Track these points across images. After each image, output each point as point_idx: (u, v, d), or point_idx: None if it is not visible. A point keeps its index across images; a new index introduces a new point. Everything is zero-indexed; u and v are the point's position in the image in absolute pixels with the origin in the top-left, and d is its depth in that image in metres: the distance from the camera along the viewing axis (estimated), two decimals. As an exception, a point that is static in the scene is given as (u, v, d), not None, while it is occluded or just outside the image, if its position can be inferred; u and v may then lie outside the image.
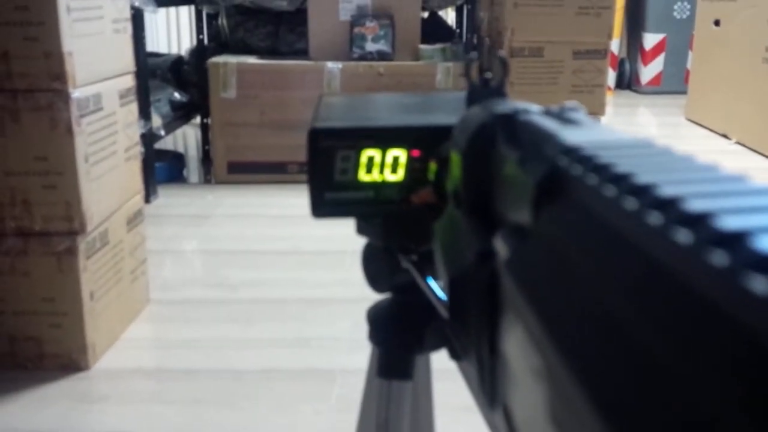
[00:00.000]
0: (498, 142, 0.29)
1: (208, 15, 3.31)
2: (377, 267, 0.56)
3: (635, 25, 5.38)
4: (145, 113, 2.47)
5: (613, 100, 4.96)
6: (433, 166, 0.44)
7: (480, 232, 0.28)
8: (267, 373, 1.52)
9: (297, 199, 2.63)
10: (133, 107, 1.71)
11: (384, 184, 0.47)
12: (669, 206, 0.15)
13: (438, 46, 2.94)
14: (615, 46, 5.25)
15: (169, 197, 2.71)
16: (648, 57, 5.25)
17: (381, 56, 2.85)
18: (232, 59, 2.85)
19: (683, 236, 0.14)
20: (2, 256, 1.45)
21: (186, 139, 3.71)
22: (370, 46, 2.85)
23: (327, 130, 0.46)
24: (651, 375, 0.14)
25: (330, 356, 1.58)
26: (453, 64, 2.85)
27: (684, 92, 4.59)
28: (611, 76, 5.26)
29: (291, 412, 1.39)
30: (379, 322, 0.59)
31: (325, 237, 2.22)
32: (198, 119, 3.31)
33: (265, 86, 2.82)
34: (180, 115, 3.16)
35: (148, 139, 2.57)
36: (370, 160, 0.46)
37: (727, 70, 3.92)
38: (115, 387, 1.46)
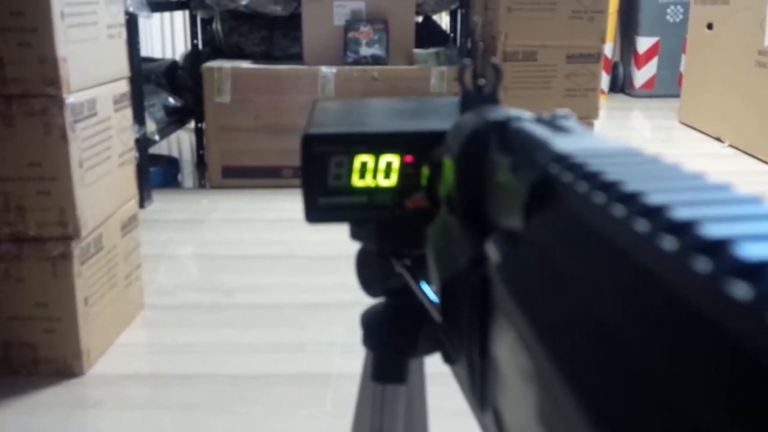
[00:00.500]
0: (491, 148, 0.29)
1: (202, 20, 3.32)
2: (371, 272, 0.56)
3: (628, 28, 5.40)
4: (139, 118, 2.46)
5: (606, 104, 4.97)
6: (425, 171, 0.44)
7: (472, 237, 0.29)
8: (262, 378, 1.52)
9: (292, 203, 2.64)
10: (128, 112, 1.71)
11: (377, 190, 0.47)
12: (656, 214, 0.16)
13: (432, 50, 2.95)
14: (608, 49, 5.26)
15: (163, 202, 2.71)
16: (641, 60, 5.26)
17: (375, 60, 2.85)
18: (227, 64, 2.86)
19: (669, 243, 0.14)
20: (-4, 261, 1.45)
21: (180, 143, 3.71)
22: (365, 51, 2.86)
23: (321, 135, 0.47)
24: (638, 379, 0.14)
25: (325, 361, 1.58)
26: (447, 68, 2.86)
27: (677, 96, 4.60)
28: (605, 80, 5.27)
29: (286, 417, 1.39)
30: (373, 327, 0.59)
31: (320, 242, 2.22)
32: (192, 124, 3.31)
33: (260, 91, 2.83)
34: (174, 119, 3.15)
35: (143, 144, 2.57)
36: (364, 165, 0.47)
37: (720, 74, 3.93)
38: (109, 392, 1.46)
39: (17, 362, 1.50)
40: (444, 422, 1.24)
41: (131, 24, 2.36)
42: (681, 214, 0.15)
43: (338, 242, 2.12)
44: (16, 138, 1.39)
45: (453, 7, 3.33)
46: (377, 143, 0.46)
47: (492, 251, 0.25)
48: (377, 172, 0.47)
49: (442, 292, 0.31)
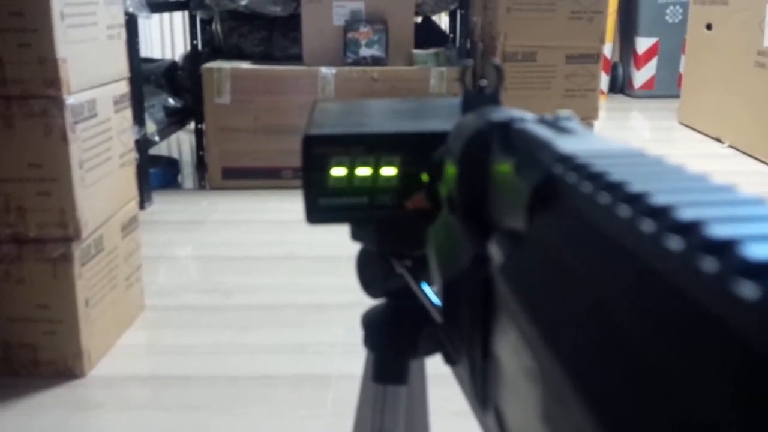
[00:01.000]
0: (493, 149, 0.29)
1: (202, 20, 3.32)
2: (372, 272, 0.56)
3: (628, 29, 5.40)
4: (139, 119, 2.47)
5: (606, 105, 4.98)
6: (425, 172, 0.44)
7: (474, 237, 0.29)
8: (262, 379, 1.52)
9: (291, 204, 2.64)
10: (128, 113, 1.71)
11: (378, 190, 0.47)
12: (661, 214, 0.16)
13: (431, 50, 2.95)
14: (608, 50, 5.26)
15: (163, 203, 2.71)
16: (641, 61, 5.27)
17: (375, 61, 2.85)
18: (226, 65, 2.86)
19: (675, 243, 0.15)
20: (-4, 262, 1.45)
21: (180, 144, 3.71)
22: (364, 51, 2.86)
23: (321, 136, 0.47)
24: (644, 378, 0.14)
25: (325, 361, 1.58)
26: (446, 69, 2.86)
27: (677, 96, 4.60)
28: (604, 81, 5.28)
29: (287, 418, 1.39)
30: (374, 328, 0.59)
31: (320, 242, 2.22)
32: (192, 125, 3.31)
33: (260, 91, 2.83)
34: (174, 120, 3.15)
35: (143, 145, 2.57)
36: (364, 166, 0.47)
37: (720, 74, 3.93)
38: (110, 394, 1.46)
39: (18, 363, 1.50)
40: (445, 423, 1.24)
41: (131, 24, 2.36)
42: (687, 214, 0.15)
43: (338, 243, 2.12)
44: (16, 139, 1.39)
45: (452, 7, 3.33)
46: (378, 144, 0.46)
47: (494, 251, 0.25)
48: (378, 172, 0.47)
49: (444, 293, 0.31)
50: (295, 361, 1.59)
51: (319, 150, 0.47)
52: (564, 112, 0.28)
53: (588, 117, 3.03)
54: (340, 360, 1.59)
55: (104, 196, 1.56)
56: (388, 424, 0.60)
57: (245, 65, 2.89)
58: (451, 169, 0.32)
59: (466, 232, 0.30)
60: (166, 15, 4.86)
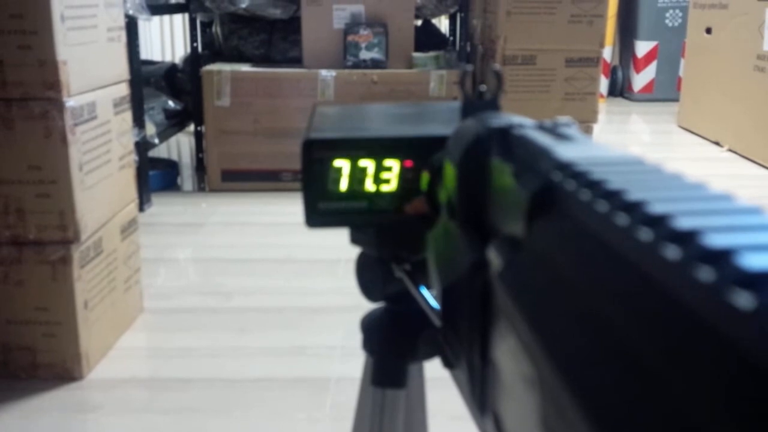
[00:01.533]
0: (492, 155, 0.29)
1: (202, 23, 3.32)
2: (371, 276, 0.56)
3: (627, 32, 5.41)
4: (139, 121, 2.47)
5: (605, 108, 4.98)
6: (425, 176, 0.45)
7: (473, 242, 0.29)
8: (261, 382, 1.52)
9: (291, 207, 2.64)
10: (127, 115, 1.71)
11: (377, 195, 0.47)
12: (659, 223, 0.16)
13: (431, 53, 2.95)
14: (607, 53, 5.27)
15: (163, 205, 2.71)
16: (640, 64, 5.27)
17: (374, 64, 2.86)
18: (226, 67, 2.86)
19: (672, 252, 0.15)
20: (-4, 265, 1.45)
21: (180, 147, 3.71)
22: (364, 54, 2.86)
23: (321, 140, 0.47)
24: (640, 386, 0.14)
25: (324, 365, 1.58)
26: (446, 72, 2.86)
27: (676, 99, 4.61)
28: (603, 84, 5.28)
29: (285, 421, 1.39)
30: (373, 331, 0.59)
31: (319, 245, 2.22)
32: (192, 127, 3.31)
33: (259, 94, 2.83)
34: (174, 123, 3.16)
35: (142, 147, 2.57)
36: (364, 170, 0.47)
37: (719, 78, 3.94)
38: (109, 396, 1.46)
39: (16, 366, 1.50)
40: (443, 426, 1.24)
41: (131, 27, 2.36)
42: (684, 223, 0.15)
43: (337, 246, 2.12)
44: (16, 141, 1.39)
45: (452, 10, 3.34)
46: (377, 148, 0.46)
47: (493, 257, 0.26)
48: (377, 177, 0.47)
49: (443, 297, 0.31)
50: (293, 363, 1.59)
51: (319, 154, 0.47)
52: (563, 119, 0.28)
53: (587, 120, 3.03)
54: (338, 363, 1.59)
55: (104, 199, 1.56)
56: (387, 427, 0.60)
57: (245, 68, 2.89)
58: (450, 174, 0.32)
59: (466, 237, 0.30)
60: (166, 17, 4.86)
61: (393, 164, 0.47)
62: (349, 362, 1.58)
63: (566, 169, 0.21)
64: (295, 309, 1.85)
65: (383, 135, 0.47)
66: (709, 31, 4.09)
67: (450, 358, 0.33)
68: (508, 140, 0.28)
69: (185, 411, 1.42)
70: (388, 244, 0.52)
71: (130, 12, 2.31)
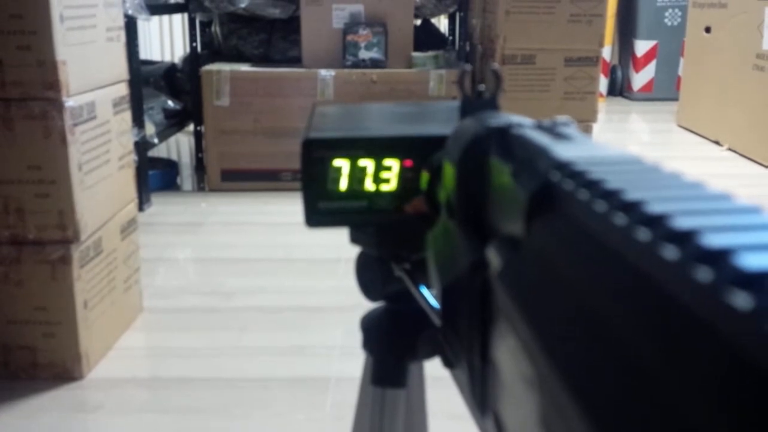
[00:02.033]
0: (491, 154, 0.29)
1: (201, 23, 3.32)
2: (371, 276, 0.56)
3: (627, 32, 5.41)
4: (138, 121, 2.47)
5: (604, 107, 4.98)
6: (425, 175, 0.45)
7: (473, 242, 0.29)
8: (261, 381, 1.52)
9: (290, 206, 2.64)
10: (127, 115, 1.71)
11: (377, 194, 0.47)
12: (657, 223, 0.16)
13: (430, 53, 2.95)
14: (607, 53, 5.27)
15: (162, 205, 2.71)
16: (639, 64, 5.27)
17: (374, 64, 2.86)
18: (226, 67, 2.86)
19: (670, 252, 0.15)
20: (-5, 265, 1.45)
21: (179, 146, 3.71)
22: (363, 54, 2.86)
23: (321, 140, 0.47)
24: (639, 386, 0.14)
25: (324, 364, 1.58)
26: (446, 72, 2.86)
27: (675, 99, 4.61)
28: (603, 83, 5.28)
29: (285, 420, 1.39)
30: (373, 331, 0.59)
31: (319, 245, 2.22)
32: (191, 127, 3.31)
33: (259, 94, 2.83)
34: (173, 122, 3.16)
35: (142, 147, 2.57)
36: (364, 170, 0.47)
37: (718, 77, 3.94)
38: (109, 396, 1.46)
39: (16, 366, 1.50)
40: (443, 426, 1.24)
41: (130, 27, 2.36)
42: (682, 223, 0.15)
43: (336, 245, 2.12)
44: (15, 141, 1.39)
45: (452, 10, 3.34)
46: (377, 148, 0.47)
47: (493, 257, 0.26)
48: (377, 176, 0.47)
49: (443, 297, 0.31)
50: (293, 363, 1.59)
51: (318, 153, 0.47)
52: (562, 118, 0.28)
53: (587, 120, 3.03)
54: (338, 362, 1.59)
55: (103, 198, 1.56)
56: (387, 427, 0.60)
57: (244, 67, 2.89)
58: (449, 174, 0.32)
59: (465, 237, 0.30)
60: (165, 17, 4.86)
61: (392, 164, 0.47)
62: (349, 362, 1.58)
63: (565, 168, 0.21)
64: (295, 308, 1.85)
65: (383, 134, 0.47)
66: (708, 30, 4.09)
67: (450, 357, 0.33)
68: (507, 140, 0.28)
69: (185, 411, 1.42)
70: (387, 243, 0.52)
71: (130, 12, 2.31)
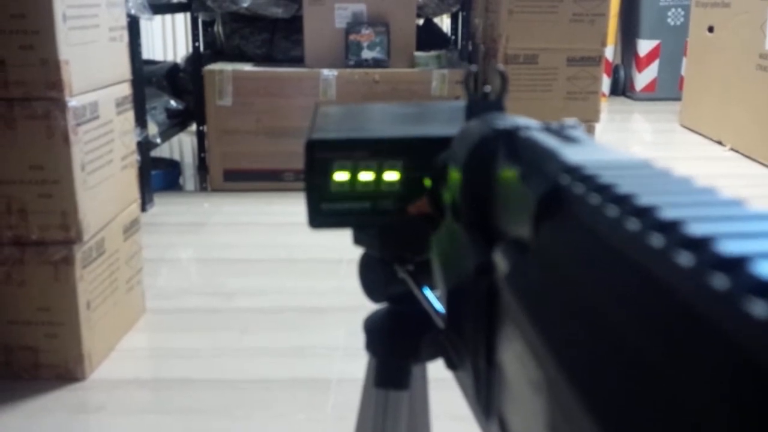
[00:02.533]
0: (498, 157, 0.29)
1: (203, 22, 3.32)
2: (374, 277, 0.56)
3: (629, 31, 5.40)
4: (141, 121, 2.47)
5: (607, 107, 4.98)
6: (428, 177, 0.44)
7: (479, 245, 0.29)
8: (263, 382, 1.52)
9: (293, 207, 2.64)
10: (130, 115, 1.71)
11: (380, 195, 0.47)
12: (671, 229, 0.16)
13: (433, 53, 2.95)
14: (609, 52, 5.27)
15: (165, 205, 2.71)
16: (642, 63, 5.27)
17: (376, 63, 2.86)
18: (228, 67, 2.86)
19: (685, 259, 0.14)
20: (-2, 265, 1.45)
21: (182, 146, 3.71)
22: (366, 54, 2.86)
23: (324, 141, 0.47)
24: (650, 392, 0.14)
25: (326, 365, 1.58)
26: (448, 71, 2.86)
27: (678, 98, 4.60)
28: (606, 83, 5.28)
29: (287, 421, 1.39)
30: (376, 332, 0.59)
31: (321, 245, 2.22)
32: (194, 127, 3.31)
33: (261, 93, 2.83)
34: (176, 122, 3.16)
35: (144, 147, 2.57)
36: (367, 171, 0.47)
37: (721, 77, 3.93)
38: (111, 397, 1.46)
39: (19, 367, 1.50)
40: (447, 427, 1.24)
41: (133, 26, 2.36)
42: (697, 229, 0.15)
43: (339, 246, 2.12)
44: (18, 141, 1.39)
45: (454, 9, 3.34)
46: (380, 149, 0.46)
47: (500, 260, 0.25)
48: (380, 177, 0.47)
49: (448, 300, 0.31)
50: (295, 364, 1.59)
51: (321, 155, 0.46)
52: (569, 121, 0.28)
53: (589, 120, 3.03)
54: (340, 363, 1.59)
55: (106, 199, 1.56)
56: (390, 429, 0.60)
57: (247, 67, 2.89)
58: (455, 176, 0.32)
59: (471, 239, 0.30)
60: (167, 17, 4.86)
61: (396, 165, 0.47)
62: (351, 363, 1.58)
63: (574, 172, 0.21)
64: (297, 309, 1.85)
65: (386, 136, 0.47)
66: (711, 29, 4.08)
67: (453, 359, 0.32)
68: (514, 142, 0.28)
69: (187, 411, 1.42)
70: (391, 244, 0.52)
71: (132, 11, 2.31)
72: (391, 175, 0.47)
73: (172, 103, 3.17)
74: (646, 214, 0.17)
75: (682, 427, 0.13)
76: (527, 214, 0.23)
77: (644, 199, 0.17)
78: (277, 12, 3.00)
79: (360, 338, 0.60)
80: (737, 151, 3.67)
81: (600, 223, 0.18)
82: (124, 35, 1.69)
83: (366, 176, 0.47)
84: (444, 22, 4.29)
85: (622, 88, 5.49)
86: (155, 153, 3.08)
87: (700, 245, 0.14)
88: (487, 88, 0.38)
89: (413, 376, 0.61)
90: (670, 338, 0.14)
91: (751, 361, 0.12)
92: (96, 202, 1.51)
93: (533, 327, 0.20)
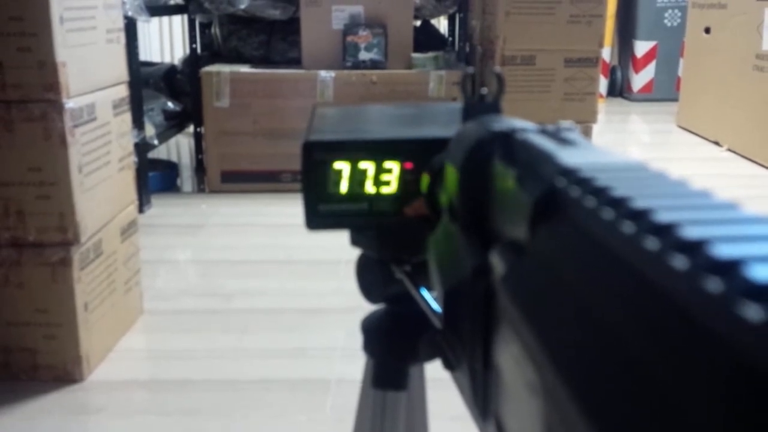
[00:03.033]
0: (494, 159, 0.29)
1: (201, 24, 3.32)
2: (371, 278, 0.56)
3: (626, 32, 5.41)
4: (138, 123, 2.46)
5: (604, 108, 4.98)
6: (425, 178, 0.44)
7: (475, 247, 0.29)
8: (262, 383, 1.52)
9: (290, 208, 2.64)
10: (127, 117, 1.71)
11: (378, 197, 0.47)
12: (666, 232, 0.16)
13: (430, 54, 2.95)
14: (606, 53, 5.27)
15: (162, 207, 2.71)
16: (639, 64, 5.27)
17: (374, 65, 2.86)
18: (226, 68, 2.86)
19: (679, 262, 0.14)
20: (-5, 267, 1.45)
21: (179, 148, 3.71)
22: (363, 55, 2.86)
23: (321, 143, 0.47)
24: (646, 395, 0.14)
25: (324, 366, 1.58)
26: (445, 73, 2.86)
27: (675, 99, 4.61)
28: (603, 84, 5.28)
29: (286, 422, 1.39)
30: (374, 333, 0.59)
31: (319, 246, 2.22)
32: (191, 128, 3.31)
33: (259, 95, 2.83)
34: (173, 124, 3.15)
35: (142, 148, 2.57)
36: (364, 172, 0.47)
37: (718, 78, 3.94)
38: (109, 398, 1.46)
39: (17, 368, 1.49)
40: (445, 428, 1.24)
41: (130, 28, 2.36)
42: (692, 233, 0.15)
43: (337, 247, 2.12)
44: (15, 143, 1.39)
45: (451, 11, 3.34)
46: (378, 150, 0.46)
47: (496, 262, 0.25)
48: (378, 179, 0.47)
49: (445, 301, 0.31)
50: (294, 365, 1.59)
51: (319, 156, 0.47)
52: (565, 123, 0.28)
53: (587, 121, 3.03)
54: (339, 364, 1.59)
55: (103, 200, 1.56)
56: (388, 429, 0.60)
57: (244, 69, 2.89)
58: (452, 178, 0.32)
59: (468, 241, 0.30)
60: (165, 19, 4.86)
61: (393, 166, 0.47)
62: (350, 364, 1.58)
63: (570, 174, 0.21)
64: (296, 310, 1.85)
65: (383, 137, 0.47)
66: (708, 30, 4.09)
67: (451, 360, 0.33)
68: (510, 144, 0.28)
69: (186, 413, 1.41)
70: (388, 245, 0.52)
71: (129, 13, 2.31)
72: (389, 177, 0.47)
73: (170, 104, 3.17)
74: (641, 217, 0.17)
75: (678, 430, 0.13)
76: (523, 217, 0.23)
77: (639, 202, 0.17)
78: (275, 14, 3.00)
79: (359, 339, 0.60)
80: (734, 152, 3.68)
81: (595, 226, 0.18)
82: (122, 37, 1.69)
83: (363, 178, 0.47)
84: (441, 24, 4.29)
85: (619, 89, 5.50)
86: (153, 154, 3.07)
87: (695, 248, 0.14)
88: (484, 90, 0.38)
89: (411, 376, 0.61)
90: (665, 341, 0.14)
91: (745, 364, 0.12)
92: (93, 204, 1.51)
93: (529, 329, 0.20)
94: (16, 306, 1.46)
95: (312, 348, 1.66)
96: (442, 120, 0.53)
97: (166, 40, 5.02)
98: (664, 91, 5.22)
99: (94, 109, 1.51)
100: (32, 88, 1.38)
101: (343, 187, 0.47)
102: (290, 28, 3.04)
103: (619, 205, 0.18)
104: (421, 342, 0.57)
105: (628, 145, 3.95)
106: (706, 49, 4.09)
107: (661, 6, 5.14)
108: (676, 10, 5.12)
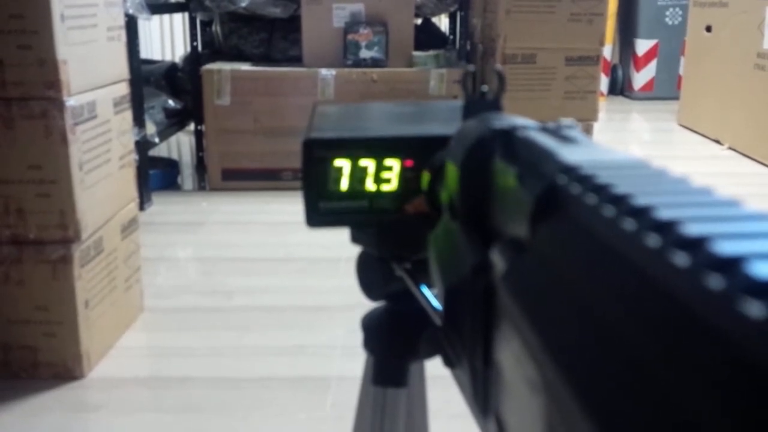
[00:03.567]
0: (495, 156, 0.29)
1: (201, 22, 3.32)
2: (372, 275, 0.56)
3: (627, 31, 5.41)
4: (139, 120, 2.46)
5: (605, 106, 4.98)
6: (426, 176, 0.44)
7: (476, 244, 0.29)
8: (262, 381, 1.52)
9: (291, 206, 2.64)
10: (128, 115, 1.71)
11: (378, 194, 0.47)
12: (667, 229, 0.16)
13: (431, 52, 2.95)
14: (607, 52, 5.27)
15: (163, 204, 2.71)
16: (640, 63, 5.27)
17: (374, 63, 2.85)
18: (226, 66, 2.86)
19: (681, 259, 0.14)
20: (-4, 264, 1.45)
21: (180, 146, 3.71)
22: (364, 53, 2.86)
23: (321, 140, 0.47)
24: (648, 392, 0.14)
25: (325, 364, 1.58)
26: (446, 71, 2.86)
27: (676, 98, 4.61)
28: (604, 82, 5.28)
29: (286, 420, 1.39)
30: (374, 330, 0.59)
31: (320, 244, 2.22)
32: (192, 126, 3.31)
33: (259, 93, 2.83)
34: (174, 122, 3.16)
35: (142, 146, 2.57)
36: (364, 170, 0.47)
37: (719, 76, 3.94)
38: (110, 396, 1.46)
39: (17, 365, 1.50)
40: (445, 425, 1.24)
41: (131, 26, 2.36)
42: (693, 230, 0.15)
43: (337, 245, 2.12)
44: (16, 141, 1.39)
45: (452, 9, 3.34)
46: (378, 148, 0.46)
47: (497, 259, 0.25)
48: (378, 176, 0.47)
49: (446, 299, 0.31)
50: (294, 362, 1.59)
51: (319, 154, 0.47)
52: (566, 121, 0.28)
53: (588, 119, 3.03)
54: (339, 362, 1.59)
55: (104, 198, 1.56)
56: (387, 427, 0.60)
57: (245, 67, 2.89)
58: (452, 175, 0.32)
59: (468, 239, 0.30)
60: (166, 16, 4.86)
61: (393, 164, 0.47)
62: (350, 361, 1.58)
63: (571, 172, 0.21)
64: (296, 308, 1.85)
65: (384, 135, 0.47)
66: (709, 29, 4.08)
67: (451, 357, 0.32)
68: (511, 142, 0.28)
69: (186, 410, 1.42)
70: (388, 243, 0.52)
71: (130, 11, 2.30)
72: (389, 174, 0.47)
73: (170, 102, 3.17)
74: (642, 214, 0.17)
75: (679, 427, 0.13)
76: (524, 214, 0.23)
77: (640, 200, 0.17)
78: (275, 12, 3.00)
79: (359, 336, 0.60)
80: (735, 150, 3.68)
81: (597, 223, 0.18)
82: (122, 35, 1.69)
83: (364, 175, 0.47)
84: (442, 22, 4.29)
85: (620, 88, 5.50)
86: (153, 152, 3.08)
87: (696, 245, 0.14)
88: (485, 88, 0.38)
89: (411, 373, 0.61)
90: (666, 338, 0.14)
91: (747, 361, 0.12)
92: (94, 202, 1.51)
93: (530, 326, 0.20)
94: (17, 303, 1.46)
95: (312, 345, 1.66)
96: (443, 118, 0.53)
97: (167, 38, 5.02)
98: (665, 89, 5.22)
99: (94, 106, 1.51)
100: (33, 86, 1.37)
101: (344, 185, 0.47)
102: (291, 26, 3.04)
103: (620, 202, 0.18)
104: (422, 339, 0.57)
105: (628, 143, 3.94)
106: (707, 48, 4.08)
107: (662, 4, 5.14)
108: (677, 9, 5.11)
